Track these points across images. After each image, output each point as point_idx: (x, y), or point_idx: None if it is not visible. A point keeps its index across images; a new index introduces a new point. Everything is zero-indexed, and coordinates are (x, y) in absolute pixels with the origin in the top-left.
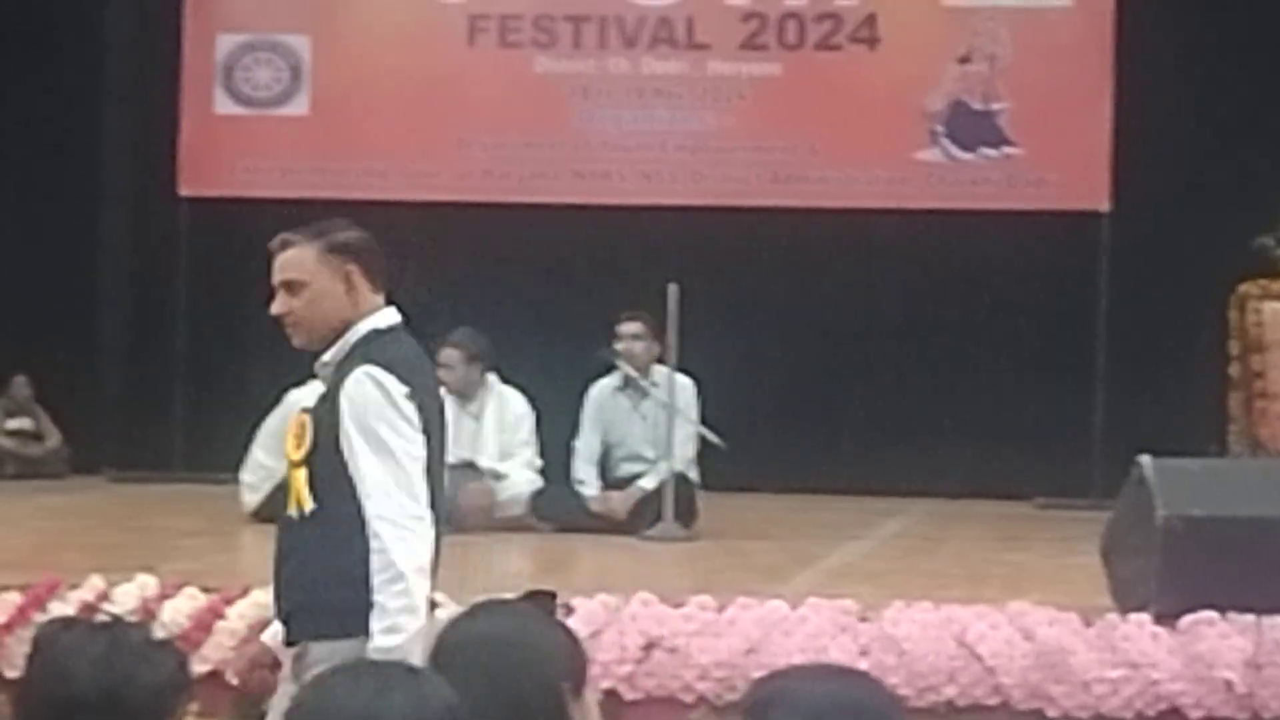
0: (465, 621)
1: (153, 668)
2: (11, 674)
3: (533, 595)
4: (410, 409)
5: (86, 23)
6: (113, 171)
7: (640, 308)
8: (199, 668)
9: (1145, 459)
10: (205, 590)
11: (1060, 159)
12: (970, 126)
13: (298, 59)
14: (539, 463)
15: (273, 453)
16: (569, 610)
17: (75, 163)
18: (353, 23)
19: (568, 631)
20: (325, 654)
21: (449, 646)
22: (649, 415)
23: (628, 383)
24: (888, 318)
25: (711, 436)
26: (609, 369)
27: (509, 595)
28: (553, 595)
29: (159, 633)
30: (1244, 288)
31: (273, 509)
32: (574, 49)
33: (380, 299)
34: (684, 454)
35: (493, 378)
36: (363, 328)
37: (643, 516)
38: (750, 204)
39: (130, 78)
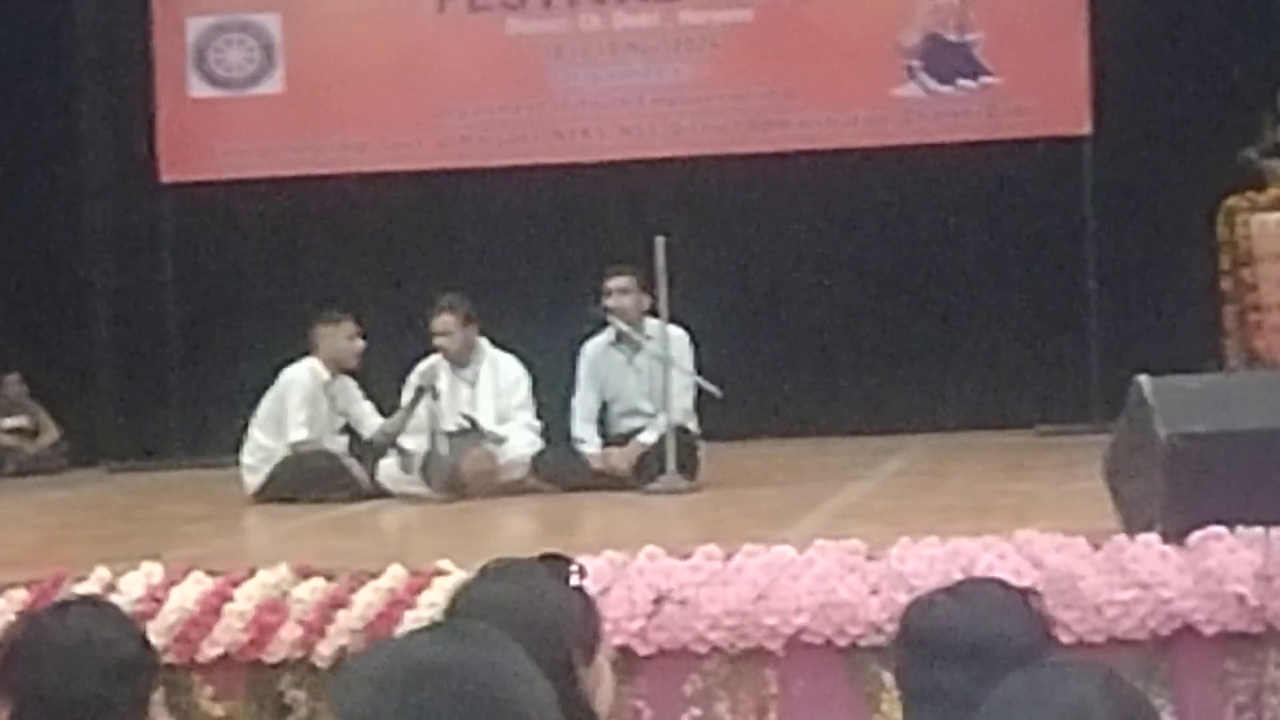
0: (478, 584)
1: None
2: None
3: (545, 559)
4: None
5: (55, 14)
6: (92, 162)
7: (629, 262)
8: (210, 651)
9: (1144, 379)
10: (211, 574)
11: (1038, 85)
12: (946, 59)
13: (269, 38)
14: (538, 424)
15: (271, 433)
16: (583, 573)
17: (54, 157)
18: None
19: (582, 596)
20: None
21: (462, 609)
22: (644, 369)
23: (620, 338)
24: (875, 256)
25: (708, 386)
26: (601, 325)
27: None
28: (567, 560)
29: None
30: (1231, 202)
31: (274, 489)
32: (544, 9)
33: None
34: (682, 405)
35: (484, 342)
36: None
37: (645, 471)
38: (731, 152)
39: (103, 67)
